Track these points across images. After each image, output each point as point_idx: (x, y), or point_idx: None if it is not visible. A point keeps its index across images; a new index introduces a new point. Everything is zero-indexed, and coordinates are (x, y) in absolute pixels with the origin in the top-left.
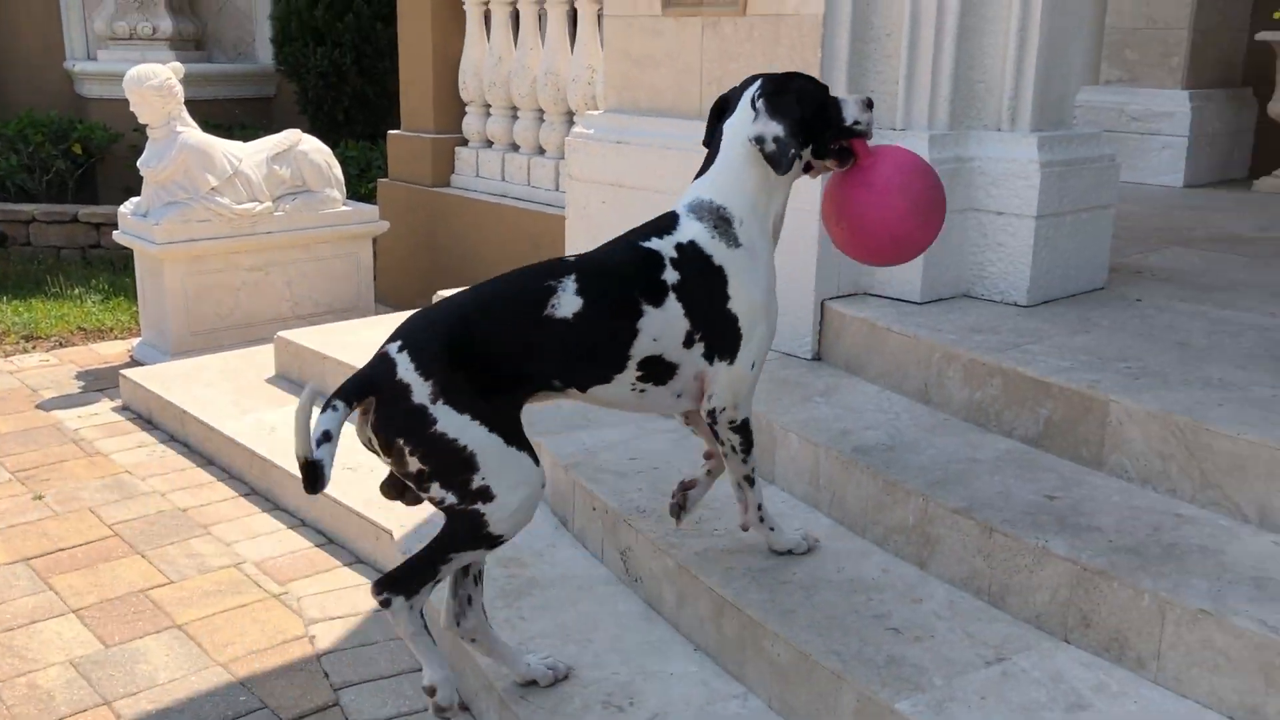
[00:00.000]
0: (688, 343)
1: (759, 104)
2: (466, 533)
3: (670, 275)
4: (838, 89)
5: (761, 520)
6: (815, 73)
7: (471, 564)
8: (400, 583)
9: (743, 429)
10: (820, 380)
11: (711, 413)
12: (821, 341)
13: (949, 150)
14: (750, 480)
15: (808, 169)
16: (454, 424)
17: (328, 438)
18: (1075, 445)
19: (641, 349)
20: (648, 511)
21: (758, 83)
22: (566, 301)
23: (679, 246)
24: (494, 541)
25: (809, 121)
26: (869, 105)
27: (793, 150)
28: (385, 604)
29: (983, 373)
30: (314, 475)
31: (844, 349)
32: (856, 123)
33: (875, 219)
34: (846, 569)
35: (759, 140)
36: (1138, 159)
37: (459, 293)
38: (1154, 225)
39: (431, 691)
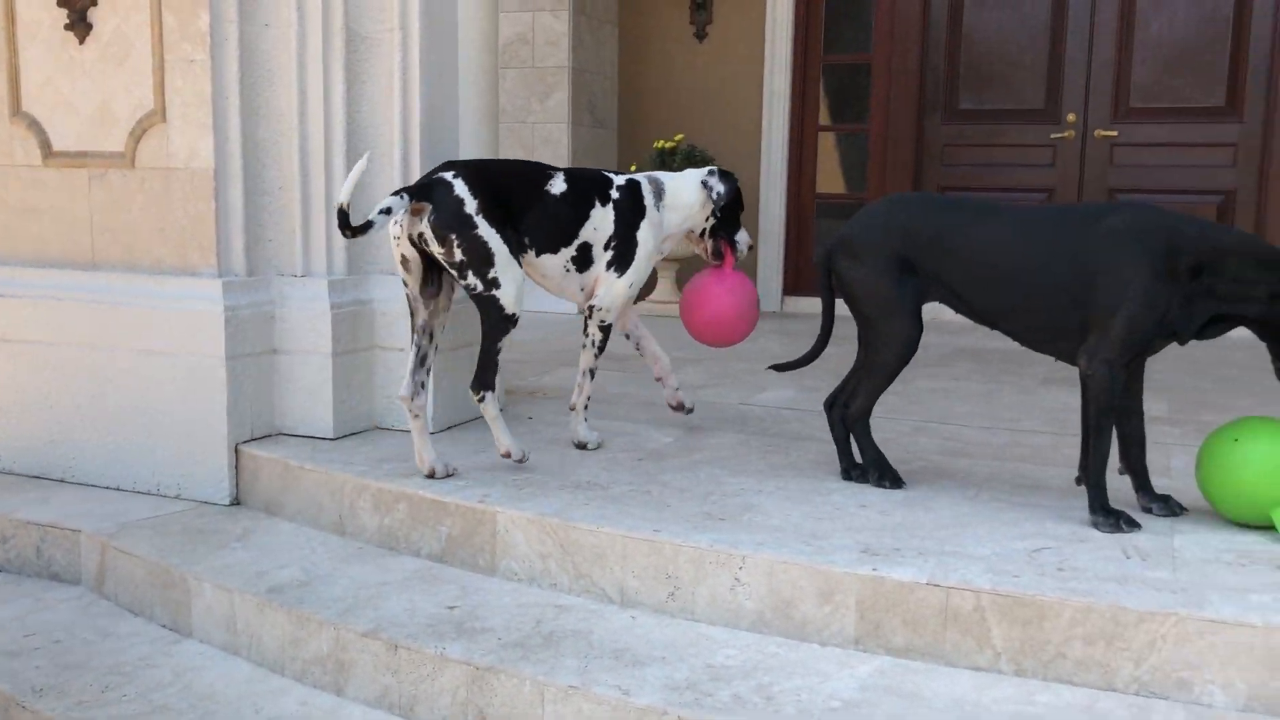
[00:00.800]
0: (606, 245)
1: (718, 170)
2: (495, 317)
3: (614, 194)
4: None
5: (585, 408)
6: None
7: (427, 358)
8: (482, 380)
9: (606, 331)
10: (238, 525)
11: (591, 308)
12: (240, 485)
13: (349, 294)
14: (591, 374)
15: (701, 234)
16: (486, 232)
17: (389, 212)
18: (473, 556)
19: (584, 233)
20: (47, 689)
21: (715, 167)
22: (558, 185)
23: (627, 181)
24: (513, 320)
25: (729, 205)
26: (749, 246)
27: (716, 193)
28: (482, 399)
29: (390, 499)
30: (346, 220)
31: (261, 491)
32: (739, 239)
33: (723, 308)
34: (265, 709)
35: (706, 185)
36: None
37: (480, 160)
38: (553, 349)
39: (508, 454)
